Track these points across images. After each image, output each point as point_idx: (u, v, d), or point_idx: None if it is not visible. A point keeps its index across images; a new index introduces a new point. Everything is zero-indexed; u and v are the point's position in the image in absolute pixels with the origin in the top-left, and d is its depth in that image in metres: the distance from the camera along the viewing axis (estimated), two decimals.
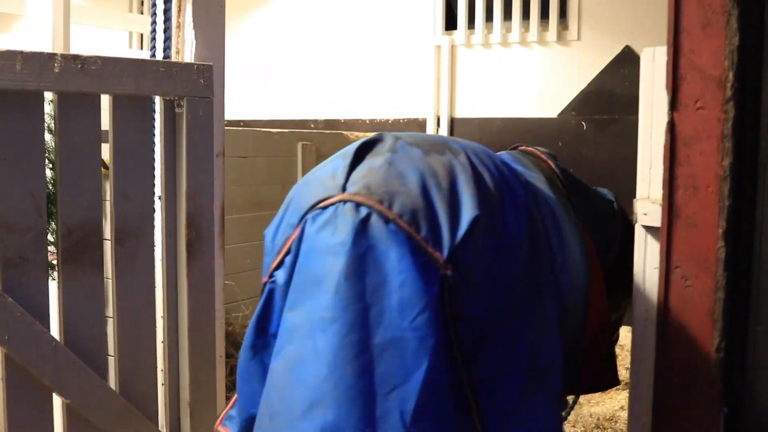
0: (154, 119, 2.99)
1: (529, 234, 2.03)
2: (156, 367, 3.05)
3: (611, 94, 6.61)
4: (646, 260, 2.39)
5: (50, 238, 2.79)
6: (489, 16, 7.15)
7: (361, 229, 1.83)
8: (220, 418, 2.23)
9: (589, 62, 6.70)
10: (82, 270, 2.73)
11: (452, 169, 1.97)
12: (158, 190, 3.03)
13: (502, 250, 1.95)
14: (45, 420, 2.67)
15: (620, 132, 6.53)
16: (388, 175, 1.91)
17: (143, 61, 2.86)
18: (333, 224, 1.86)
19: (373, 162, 1.98)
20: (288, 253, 1.96)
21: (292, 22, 8.01)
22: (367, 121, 7.60)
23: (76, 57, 2.62)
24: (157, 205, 3.03)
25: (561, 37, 6.81)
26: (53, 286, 2.73)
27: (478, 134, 7.15)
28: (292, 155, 5.49)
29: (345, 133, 6.24)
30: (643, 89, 2.40)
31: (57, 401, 2.74)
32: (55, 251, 2.76)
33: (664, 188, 2.24)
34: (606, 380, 2.65)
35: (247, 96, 7.92)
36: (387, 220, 1.84)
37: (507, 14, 7.06)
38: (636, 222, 2.39)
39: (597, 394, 4.65)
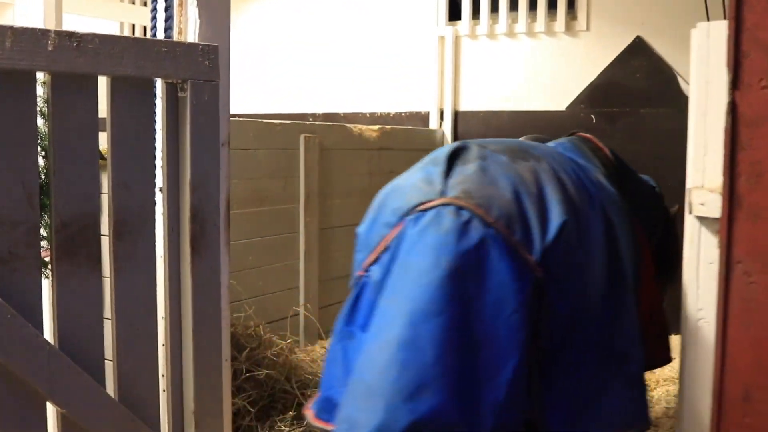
0: (155, 104, 2.76)
1: (606, 231, 2.27)
2: (157, 373, 2.83)
3: (621, 87, 6.41)
4: (700, 254, 2.18)
5: (43, 232, 2.56)
6: (494, 6, 6.94)
7: (464, 230, 2.06)
8: (309, 402, 2.52)
9: (598, 53, 6.50)
10: (77, 267, 2.51)
11: (538, 176, 2.24)
12: (159, 181, 2.81)
13: (586, 250, 2.19)
14: (38, 431, 2.44)
15: (631, 125, 6.33)
16: (483, 181, 2.17)
17: (144, 40, 2.64)
18: (436, 225, 2.09)
19: (466, 169, 2.24)
20: (385, 250, 2.19)
21: (291, 14, 7.78)
22: (368, 115, 7.37)
23: (71, 34, 2.40)
24: (158, 197, 2.81)
25: (569, 28, 6.61)
26: (46, 285, 2.56)
27: (483, 128, 6.94)
28: (295, 148, 5.26)
29: (348, 125, 6.01)
30: (696, 68, 2.20)
31: (51, 410, 2.52)
32: (48, 246, 2.54)
33: (724, 176, 2.03)
34: (659, 359, 2.81)
35: (244, 90, 7.69)
36: (486, 224, 2.08)
37: (513, 4, 6.85)
38: (690, 212, 2.18)
39: None
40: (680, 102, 6.14)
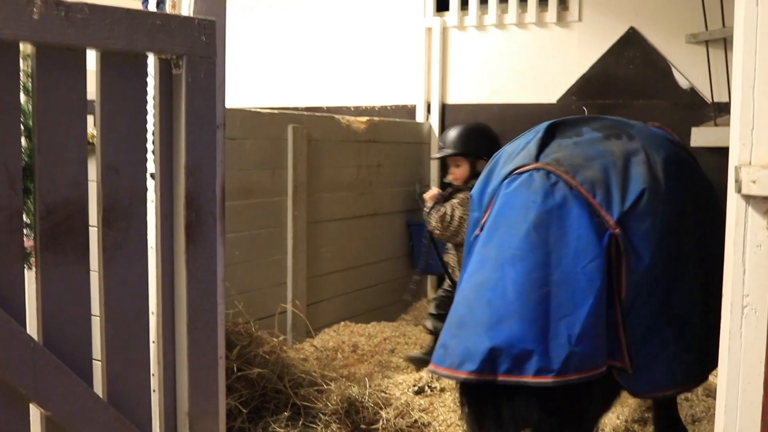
0: (147, 82, 2.56)
1: (684, 205, 2.64)
2: (149, 372, 2.63)
3: (614, 78, 6.28)
4: (746, 237, 2.02)
5: (26, 219, 2.36)
6: None
7: (550, 190, 2.47)
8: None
9: (590, 45, 6.37)
10: (63, 257, 2.32)
11: (627, 151, 2.63)
12: (152, 165, 2.61)
13: (661, 218, 2.53)
14: None
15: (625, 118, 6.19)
16: (574, 153, 2.60)
17: (137, 12, 2.44)
18: (527, 185, 2.50)
19: (562, 141, 2.70)
20: (491, 210, 2.59)
21: (274, 5, 7.56)
22: (352, 108, 7.18)
23: (59, 3, 2.21)
24: (150, 182, 2.61)
25: (561, 18, 6.47)
26: (30, 277, 2.36)
27: (473, 121, 6.77)
28: (282, 138, 5.06)
29: (336, 116, 5.82)
30: (742, 31, 2.02)
31: (35, 413, 2.31)
32: (31, 235, 2.34)
33: None
34: None
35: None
36: (570, 186, 2.48)
37: None
38: (738, 191, 2.02)
39: None
40: (675, 94, 6.03)
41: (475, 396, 2.51)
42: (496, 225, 2.50)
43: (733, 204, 2.06)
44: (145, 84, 2.55)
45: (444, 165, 5.62)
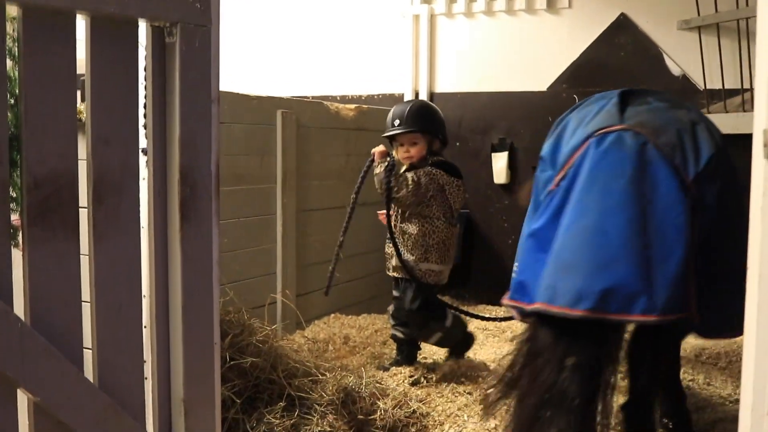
0: (138, 51, 2.43)
1: (731, 170, 2.95)
2: (142, 357, 2.50)
3: (605, 66, 6.20)
4: None
5: (12, 194, 2.22)
6: None
7: (641, 150, 2.74)
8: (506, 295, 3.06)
9: (581, 31, 6.28)
10: (51, 233, 2.18)
11: (691, 120, 2.95)
12: (144, 139, 2.48)
13: (722, 180, 2.84)
14: (7, 422, 2.12)
15: None
16: (652, 117, 2.88)
17: None
18: (619, 143, 2.77)
19: (638, 108, 2.96)
20: (571, 166, 2.82)
21: None
22: (338, 98, 7.05)
23: None
24: (142, 158, 2.48)
25: (551, 5, 6.38)
26: (16, 255, 2.20)
27: (461, 110, 6.68)
28: (271, 124, 4.94)
29: (325, 102, 5.70)
30: None
31: (22, 398, 2.17)
32: (18, 210, 2.20)
33: None
34: None
35: None
36: (656, 147, 2.76)
37: None
38: (766, 156, 1.92)
39: None
40: (666, 81, 5.96)
41: (580, 334, 2.75)
42: (593, 178, 2.74)
43: (761, 170, 1.97)
44: (137, 53, 2.42)
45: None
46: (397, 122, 4.49)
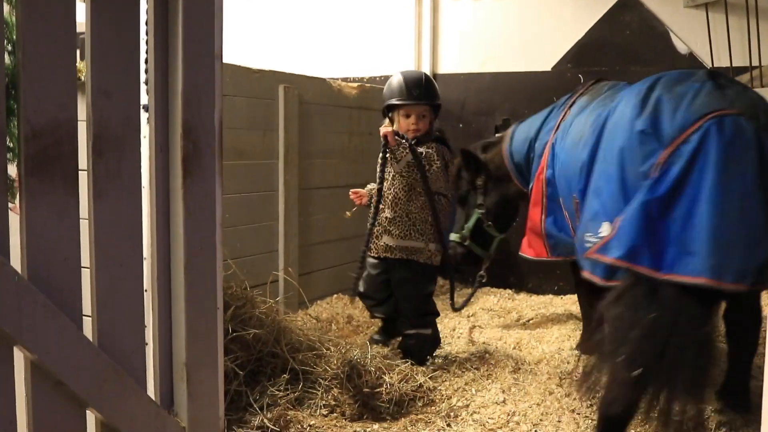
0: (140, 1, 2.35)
1: None
2: (143, 318, 2.42)
3: (610, 44, 6.11)
4: None
5: (9, 144, 2.13)
6: None
7: (757, 135, 2.98)
8: (594, 249, 3.19)
9: (585, 10, 6.19)
10: (51, 186, 2.10)
11: (762, 100, 3.22)
12: (145, 94, 2.40)
13: None
14: (4, 381, 2.04)
15: None
16: (748, 101, 3.14)
17: None
18: (739, 129, 2.99)
19: (732, 92, 3.18)
20: (685, 142, 3.01)
21: None
22: (340, 80, 6.94)
23: None
24: (143, 115, 2.40)
25: None
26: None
27: (464, 92, 6.60)
28: (273, 98, 4.85)
29: (327, 79, 5.62)
30: None
31: (19, 356, 2.09)
32: (15, 161, 2.12)
33: None
34: None
35: None
36: (762, 131, 3.03)
37: None
38: None
39: None
40: (673, 60, 5.88)
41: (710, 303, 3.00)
42: (727, 161, 2.92)
43: None
44: (138, 4, 2.34)
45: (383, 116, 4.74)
46: (416, 92, 4.33)
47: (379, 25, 6.93)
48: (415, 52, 6.76)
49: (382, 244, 4.32)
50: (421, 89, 4.35)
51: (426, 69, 6.68)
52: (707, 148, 2.96)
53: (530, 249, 4.38)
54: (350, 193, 4.50)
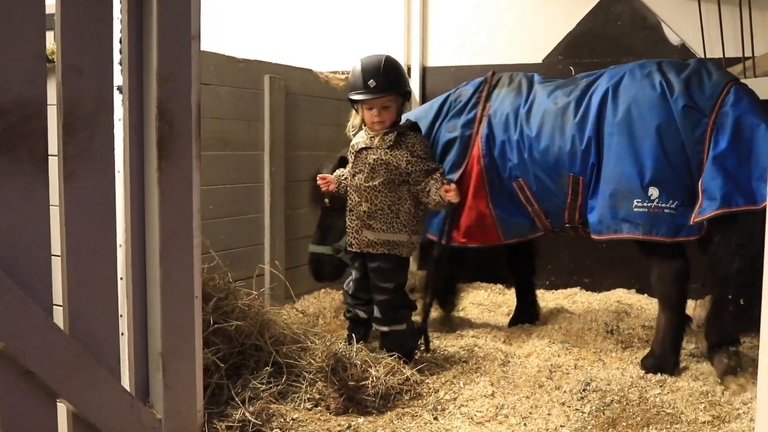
0: None
1: None
2: (116, 306, 2.34)
3: (602, 36, 6.04)
4: None
5: None
6: None
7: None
8: (694, 214, 3.83)
9: (577, 1, 6.12)
10: (18, 164, 2.02)
11: None
12: (119, 75, 2.31)
13: None
14: None
15: None
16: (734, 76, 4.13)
17: None
18: (748, 90, 3.94)
19: (723, 71, 4.15)
20: (722, 106, 3.83)
21: None
22: (327, 73, 6.86)
23: None
24: (117, 96, 2.31)
25: None
26: None
27: (454, 84, 6.42)
28: (259, 89, 4.77)
29: (314, 70, 5.53)
30: None
31: None
32: None
33: None
34: None
35: None
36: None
37: None
38: None
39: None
40: (665, 51, 5.81)
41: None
42: (754, 109, 3.82)
43: None
44: None
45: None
46: (373, 84, 4.01)
47: (368, 17, 6.84)
48: (405, 45, 6.66)
49: (363, 238, 4.08)
50: (379, 79, 4.02)
51: (415, 62, 6.60)
52: (739, 105, 3.80)
53: (474, 239, 4.49)
54: (318, 179, 4.25)
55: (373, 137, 4.06)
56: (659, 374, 3.76)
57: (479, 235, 4.46)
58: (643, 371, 3.82)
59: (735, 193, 3.68)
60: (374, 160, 4.02)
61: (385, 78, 4.02)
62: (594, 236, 4.06)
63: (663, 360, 3.88)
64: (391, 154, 4.01)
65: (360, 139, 4.13)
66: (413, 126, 4.19)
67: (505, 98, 4.49)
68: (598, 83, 4.19)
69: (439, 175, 4.01)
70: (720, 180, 3.69)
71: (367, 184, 4.05)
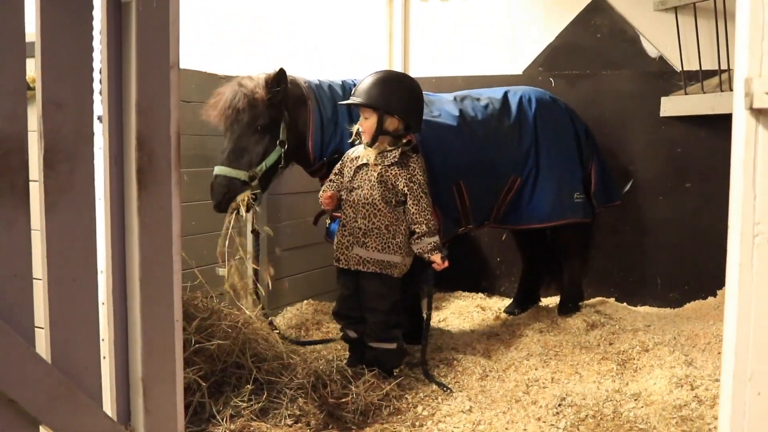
0: (92, 11, 2.31)
1: None
2: (98, 333, 2.38)
3: (582, 48, 6.13)
4: (757, 157, 1.84)
5: None
6: None
7: None
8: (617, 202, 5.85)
9: (557, 13, 6.21)
10: (0, 201, 2.04)
11: None
12: (99, 105, 2.35)
13: None
14: None
15: (592, 88, 6.07)
16: None
17: None
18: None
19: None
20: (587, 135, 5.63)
21: None
22: None
23: None
24: (99, 125, 2.35)
25: None
26: None
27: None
28: None
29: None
30: None
31: None
32: None
33: None
34: None
35: None
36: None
37: None
38: (748, 107, 1.83)
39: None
40: (643, 63, 5.90)
41: None
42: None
43: (742, 122, 1.88)
44: (91, 13, 2.30)
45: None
46: (354, 91, 4.09)
47: (350, 29, 6.89)
48: (387, 56, 6.74)
49: (354, 255, 4.05)
50: (359, 89, 4.06)
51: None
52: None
53: None
54: (325, 198, 4.12)
55: (370, 154, 4.04)
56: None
57: None
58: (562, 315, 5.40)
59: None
60: (375, 177, 4.00)
61: (368, 88, 4.03)
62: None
63: (579, 297, 5.71)
64: (390, 172, 4.01)
65: (359, 153, 4.12)
66: (415, 148, 4.14)
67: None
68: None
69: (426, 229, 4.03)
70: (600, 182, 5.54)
71: (366, 201, 4.02)
